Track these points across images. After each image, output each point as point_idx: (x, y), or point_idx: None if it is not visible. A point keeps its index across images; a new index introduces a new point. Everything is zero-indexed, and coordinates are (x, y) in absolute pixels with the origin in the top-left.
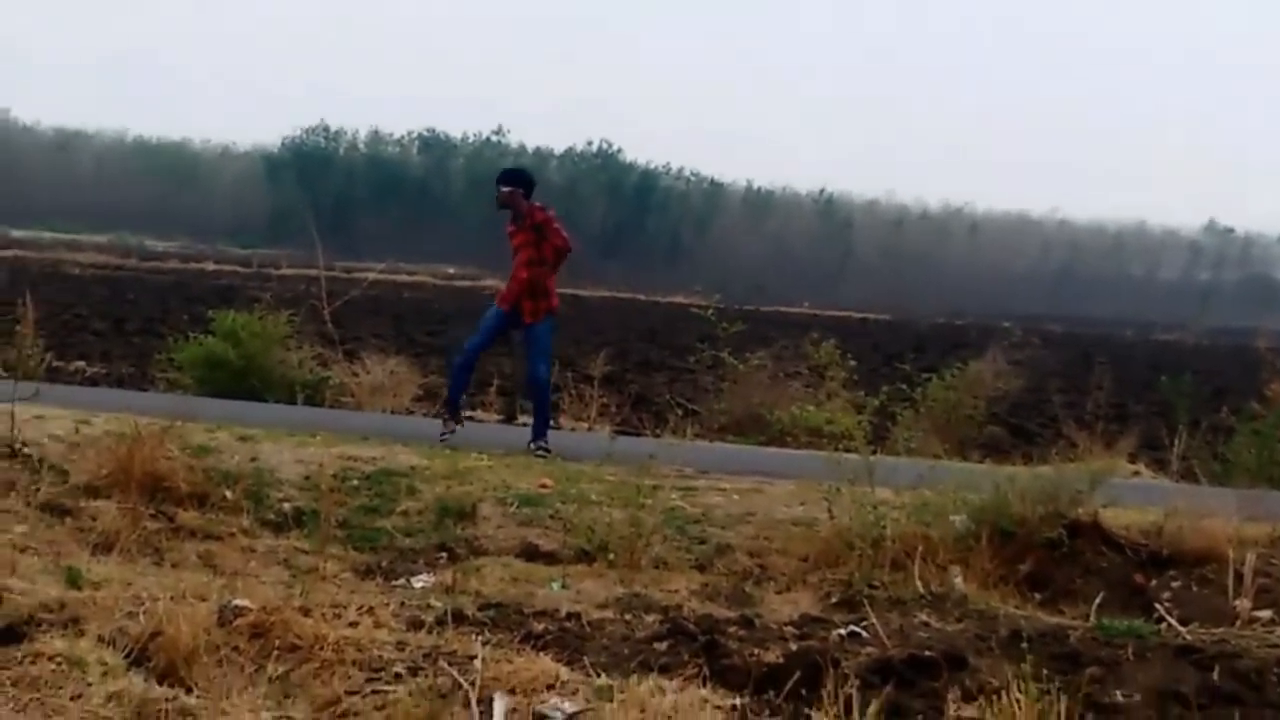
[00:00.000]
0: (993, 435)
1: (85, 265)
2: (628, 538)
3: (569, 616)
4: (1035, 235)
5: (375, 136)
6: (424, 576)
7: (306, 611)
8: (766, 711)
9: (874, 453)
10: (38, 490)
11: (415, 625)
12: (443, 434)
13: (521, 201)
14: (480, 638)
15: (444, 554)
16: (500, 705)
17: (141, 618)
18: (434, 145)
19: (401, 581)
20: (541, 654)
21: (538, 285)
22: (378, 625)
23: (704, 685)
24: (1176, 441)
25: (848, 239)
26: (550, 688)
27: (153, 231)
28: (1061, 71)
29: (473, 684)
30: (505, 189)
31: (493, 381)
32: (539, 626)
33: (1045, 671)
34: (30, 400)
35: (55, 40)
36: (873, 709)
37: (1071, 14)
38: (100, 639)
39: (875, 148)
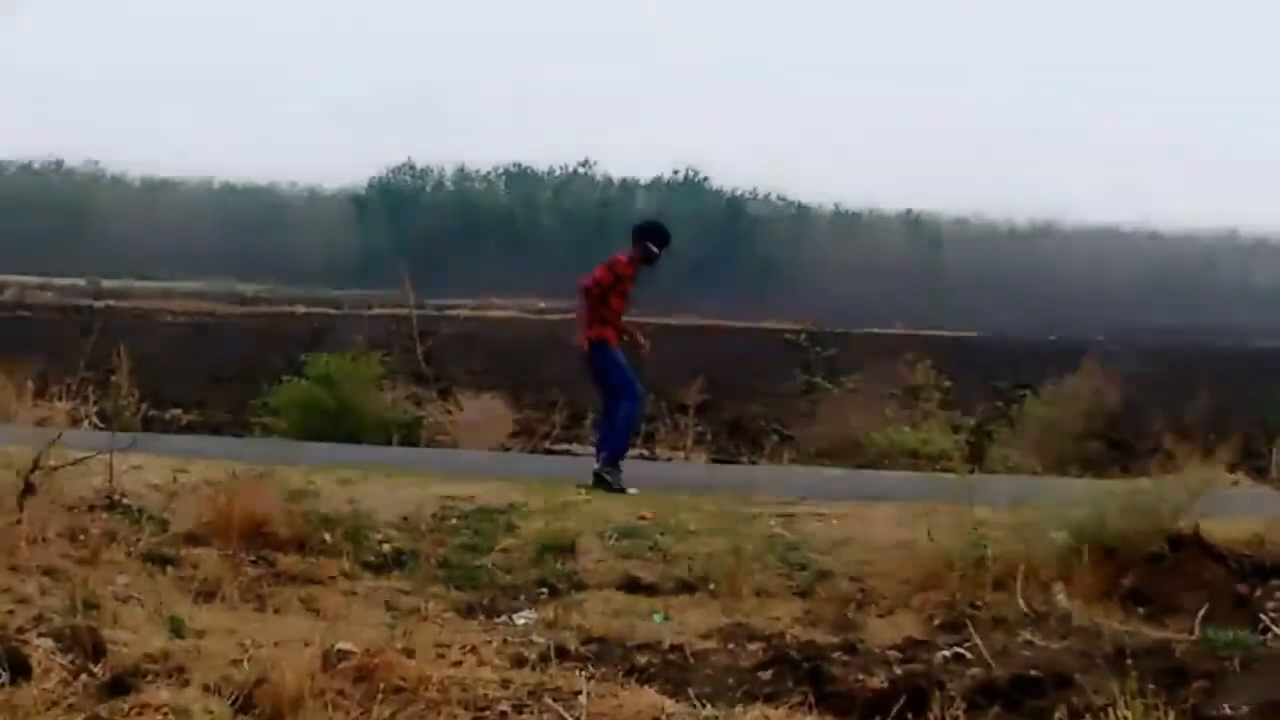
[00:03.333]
0: (1090, 450)
1: (177, 313)
2: (728, 567)
3: (672, 648)
4: (1126, 248)
5: (462, 173)
6: (526, 613)
7: (410, 653)
8: None
9: (972, 472)
10: (138, 540)
11: (519, 662)
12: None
13: None
14: (584, 673)
15: (545, 590)
16: None
17: (246, 665)
18: (520, 180)
19: (503, 619)
20: (646, 687)
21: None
22: (481, 664)
23: (810, 712)
24: (1275, 450)
25: (937, 258)
26: None
27: (242, 276)
28: (1139, 82)
29: (578, 719)
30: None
31: (587, 414)
32: (642, 659)
33: (1151, 686)
34: (128, 450)
35: (141, 88)
36: None
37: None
38: (205, 688)
39: (959, 165)
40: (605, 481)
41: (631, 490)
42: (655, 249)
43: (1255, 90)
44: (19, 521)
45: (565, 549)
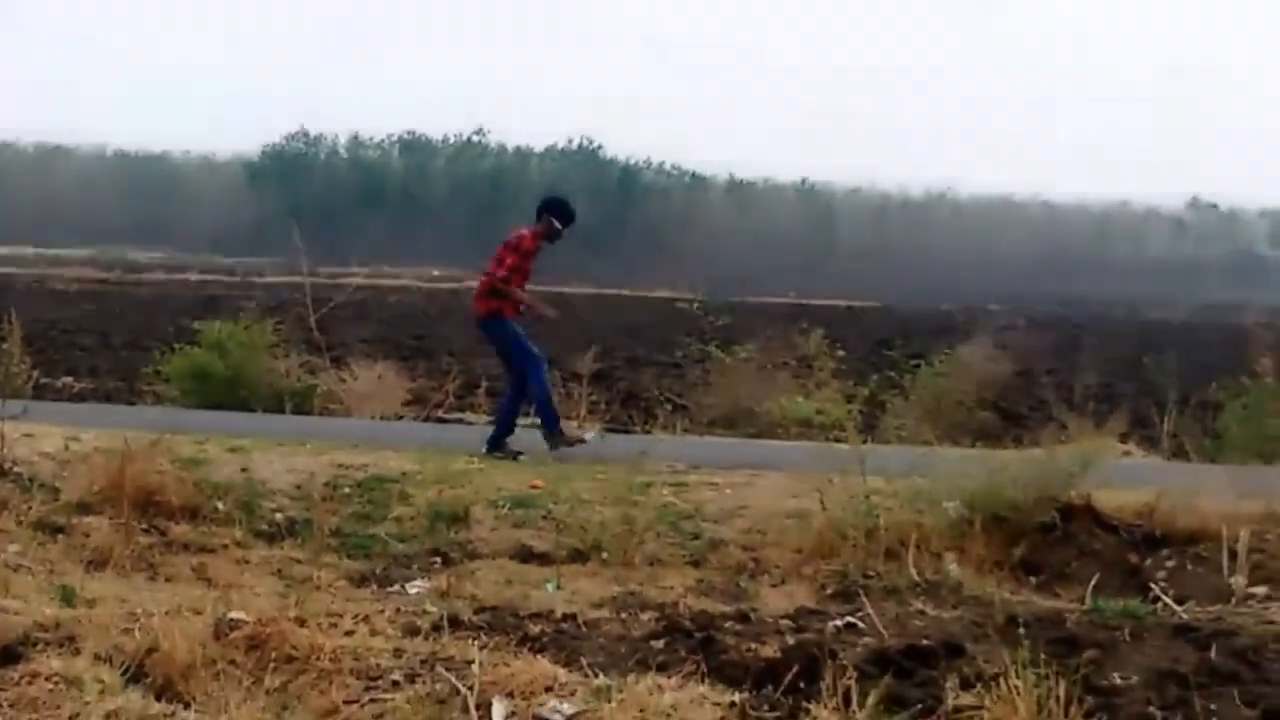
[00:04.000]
0: (983, 420)
1: (69, 280)
2: (621, 536)
3: (565, 617)
4: (1019, 218)
5: (355, 141)
6: (419, 582)
7: (302, 622)
8: (766, 707)
9: (865, 442)
10: (29, 509)
11: (411, 632)
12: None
13: None
14: (477, 642)
15: (438, 559)
16: (499, 709)
17: (137, 634)
18: (415, 148)
19: (396, 588)
20: (539, 656)
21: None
22: (374, 633)
23: (702, 682)
24: (1166, 420)
25: (831, 227)
26: (549, 690)
27: (135, 244)
28: (1038, 50)
29: (471, 689)
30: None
31: (481, 383)
32: (535, 629)
33: (1043, 656)
34: (19, 418)
35: (33, 55)
36: (872, 700)
37: None
38: (97, 656)
39: (855, 135)
40: (495, 447)
41: (523, 458)
42: (560, 226)
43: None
44: None
45: (458, 518)
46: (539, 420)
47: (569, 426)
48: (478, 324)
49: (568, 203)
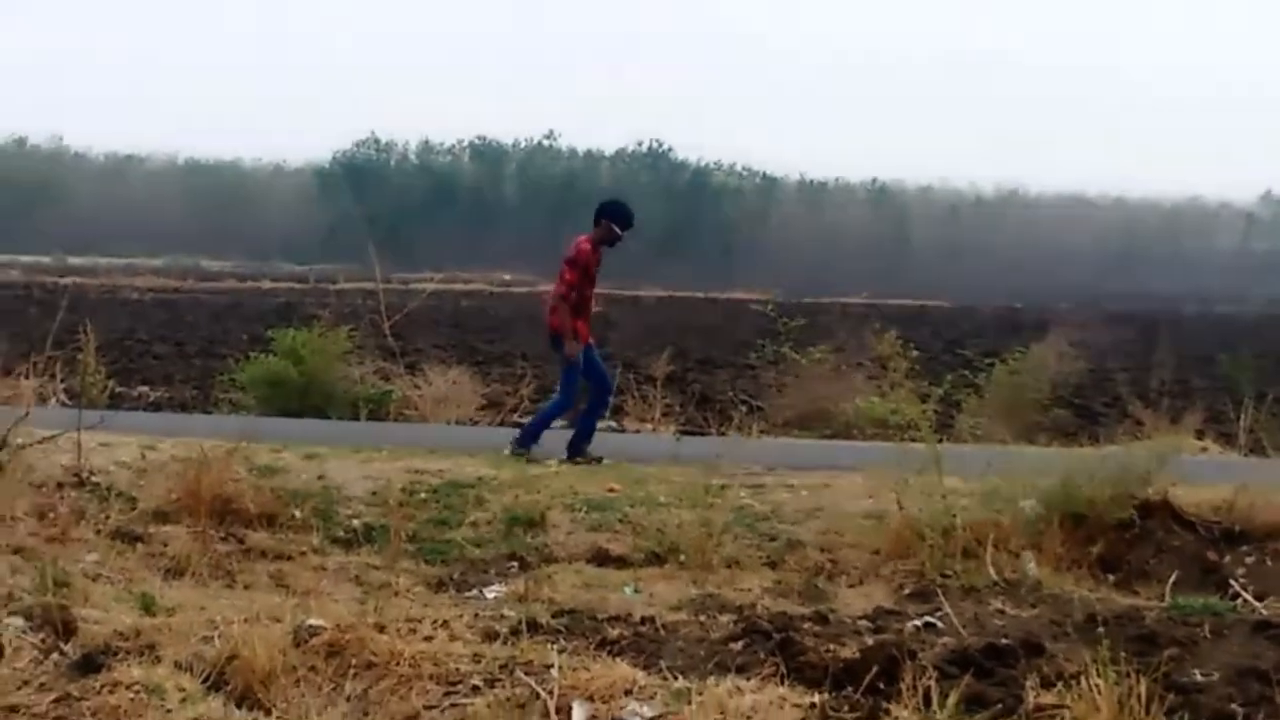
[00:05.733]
0: (1058, 418)
1: (143, 289)
2: (698, 538)
3: (643, 620)
4: (1090, 215)
5: (426, 146)
6: (496, 587)
7: (381, 628)
8: (845, 707)
9: (940, 441)
10: (107, 518)
11: (490, 636)
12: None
13: None
14: (555, 646)
15: (515, 563)
16: (579, 713)
17: (217, 641)
18: (485, 153)
19: (474, 593)
20: (617, 659)
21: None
22: (453, 638)
23: (781, 684)
24: (1242, 415)
25: (903, 227)
26: (628, 693)
27: (208, 252)
28: (1105, 48)
29: (550, 693)
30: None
31: (555, 388)
32: (613, 632)
33: (1123, 654)
34: (96, 428)
35: (105, 66)
36: (952, 700)
37: None
38: (177, 665)
39: (926, 133)
40: (578, 456)
41: (607, 462)
42: (619, 230)
43: (1219, 57)
44: None
45: (535, 522)
46: (523, 427)
47: (539, 451)
48: (549, 338)
49: (625, 206)
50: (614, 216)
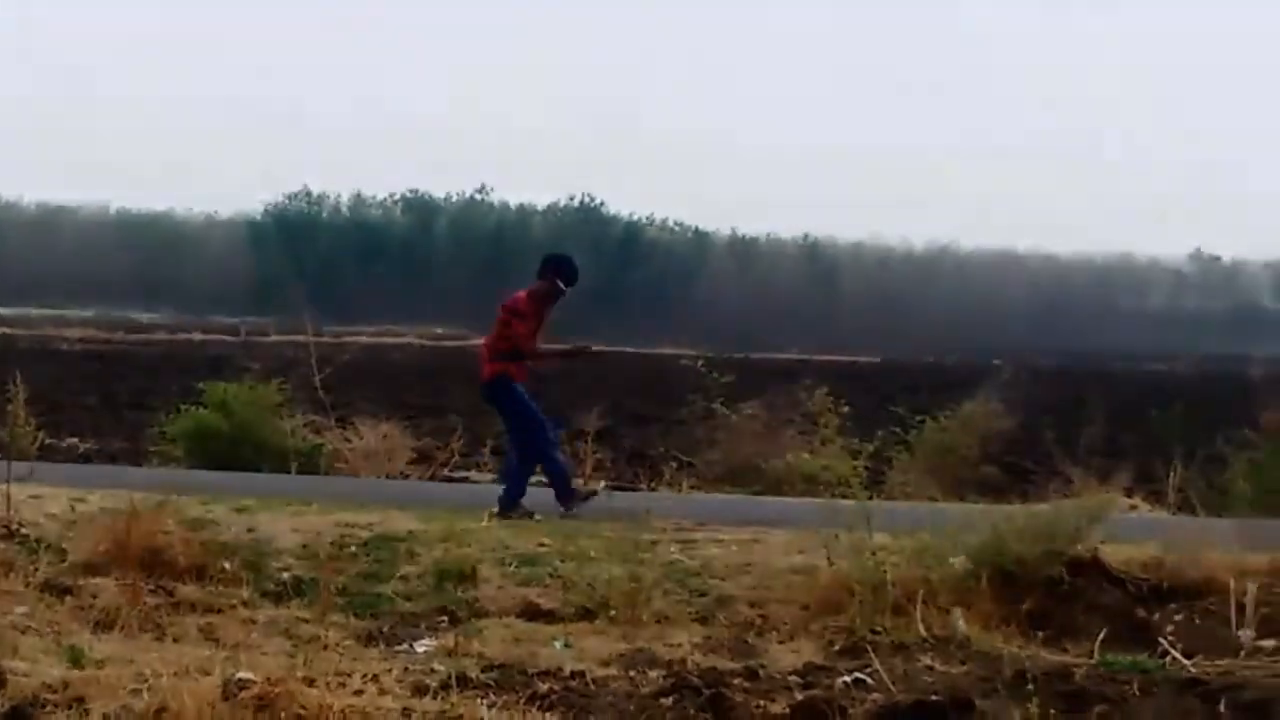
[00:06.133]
0: (988, 475)
1: (73, 340)
2: (628, 593)
3: (573, 675)
4: (1021, 271)
5: (358, 199)
6: (426, 641)
7: (311, 681)
8: None
9: (870, 498)
10: (36, 570)
11: (420, 691)
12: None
13: None
14: (485, 701)
15: (445, 617)
16: None
17: (146, 694)
18: (417, 206)
19: (404, 647)
20: (547, 715)
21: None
22: (382, 692)
23: None
24: (1172, 474)
25: (834, 282)
26: None
27: (139, 304)
28: (1041, 105)
29: None
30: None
31: (486, 442)
32: (544, 687)
33: (1052, 711)
34: (25, 480)
35: (35, 117)
36: None
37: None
38: (105, 717)
39: (856, 190)
40: (510, 511)
41: (538, 517)
42: (564, 285)
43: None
44: None
45: (465, 576)
46: (552, 487)
47: (578, 484)
48: (484, 388)
49: (571, 261)
50: (559, 271)
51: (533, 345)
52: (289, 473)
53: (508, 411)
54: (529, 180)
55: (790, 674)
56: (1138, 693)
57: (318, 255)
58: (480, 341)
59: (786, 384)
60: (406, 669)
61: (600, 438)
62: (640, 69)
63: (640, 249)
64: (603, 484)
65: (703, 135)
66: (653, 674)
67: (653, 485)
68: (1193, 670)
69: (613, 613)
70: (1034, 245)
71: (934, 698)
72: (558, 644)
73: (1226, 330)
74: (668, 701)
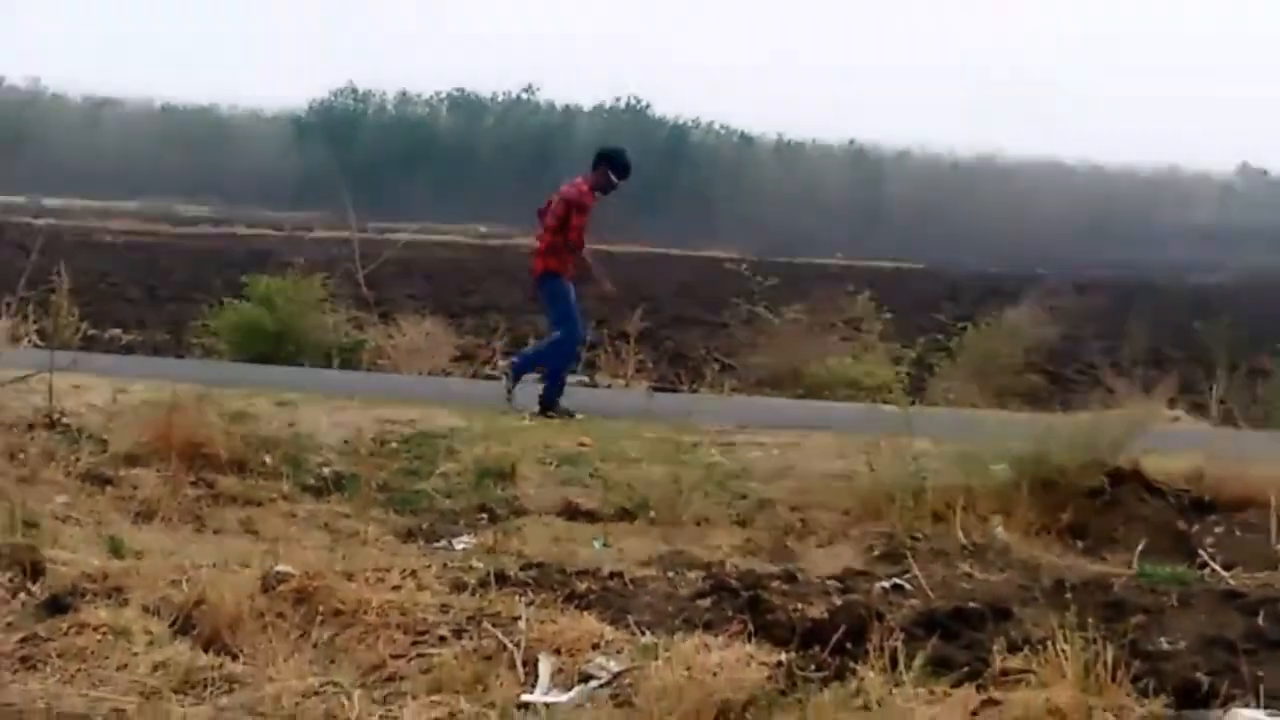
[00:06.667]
0: (1031, 384)
1: (117, 232)
2: (668, 494)
3: (611, 575)
4: (1067, 182)
5: (404, 98)
6: (465, 538)
7: (349, 576)
8: (812, 666)
9: (912, 404)
10: (78, 460)
11: (458, 587)
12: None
13: None
14: (523, 598)
15: (484, 515)
16: (546, 666)
17: (185, 586)
18: (463, 105)
19: (443, 544)
20: (585, 613)
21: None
22: (420, 588)
23: (749, 641)
24: (1215, 386)
25: (879, 189)
26: (595, 647)
27: (183, 197)
28: (1088, 12)
29: (517, 645)
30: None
31: (528, 340)
32: (582, 586)
33: (1090, 620)
34: (67, 369)
35: (80, 6)
36: (918, 661)
37: None
38: (144, 608)
39: (904, 97)
40: (550, 409)
41: (579, 416)
42: (615, 179)
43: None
44: None
45: (505, 475)
46: (545, 385)
47: (518, 403)
48: (535, 282)
49: (624, 154)
50: (612, 163)
51: (583, 240)
52: (331, 368)
53: (553, 305)
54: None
55: (828, 579)
56: (1176, 604)
57: (362, 153)
58: (531, 240)
59: (830, 289)
60: (445, 566)
61: (642, 339)
62: None
63: (686, 152)
64: (645, 386)
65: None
66: (691, 575)
67: (694, 388)
68: (1232, 582)
69: (652, 514)
70: (1080, 157)
71: (972, 605)
72: (597, 544)
73: (1273, 244)
74: (705, 603)
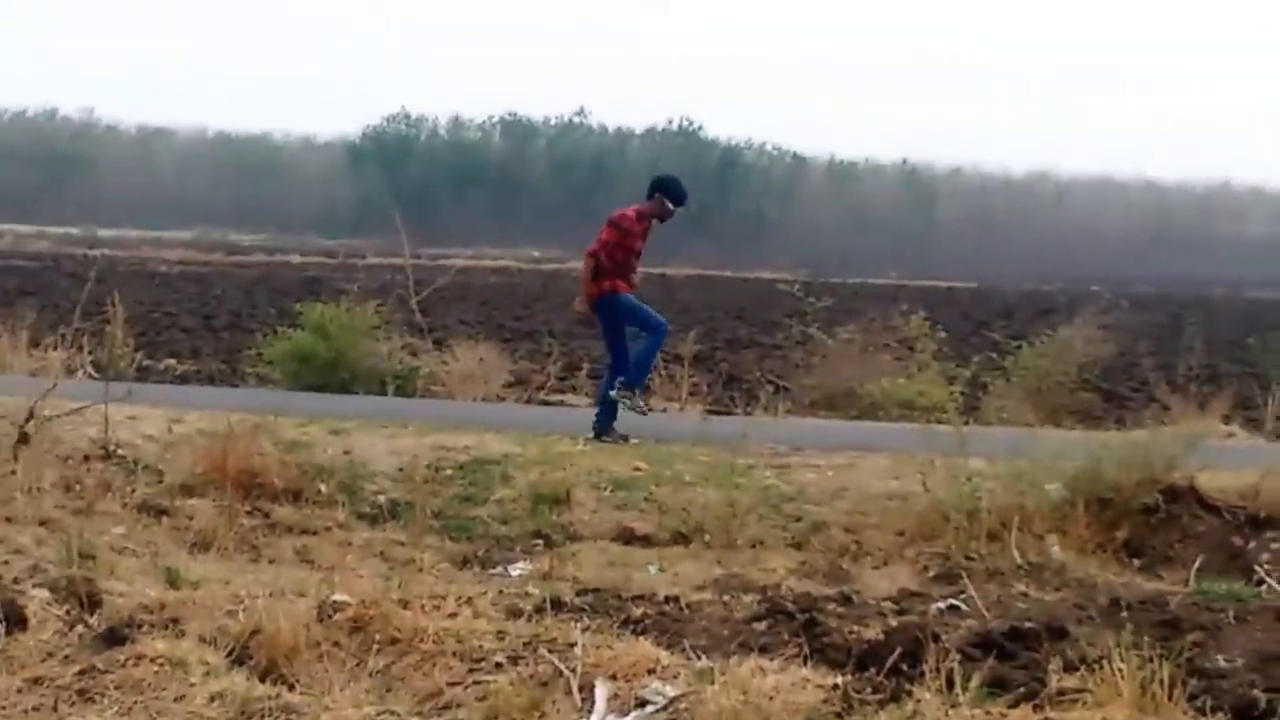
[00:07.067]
0: (1085, 401)
1: (171, 262)
2: (723, 518)
3: (667, 599)
4: (1121, 198)
5: (456, 122)
6: (521, 564)
7: (405, 604)
8: (868, 689)
9: (966, 423)
10: (133, 491)
11: (514, 614)
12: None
13: None
14: (579, 624)
15: (540, 541)
16: (602, 691)
17: (241, 616)
18: (515, 129)
19: (498, 570)
20: (641, 638)
21: None
22: (476, 615)
23: (804, 664)
24: (1270, 400)
25: (932, 208)
26: (651, 672)
27: (237, 226)
28: (1138, 33)
29: (574, 671)
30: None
31: (583, 365)
32: (637, 611)
33: (1146, 639)
34: (123, 400)
35: (135, 39)
36: (975, 682)
37: None
38: (201, 639)
39: (957, 115)
40: (605, 434)
41: (633, 440)
42: (671, 206)
43: (1250, 39)
44: (14, 472)
45: (560, 500)
46: (624, 378)
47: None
48: (593, 309)
49: (679, 182)
50: (668, 191)
51: (603, 254)
52: (385, 395)
53: (627, 321)
54: (628, 104)
55: (884, 600)
56: (1233, 621)
57: (415, 178)
58: (577, 267)
59: (883, 309)
60: (501, 592)
61: (696, 362)
62: None
63: (738, 173)
64: (699, 410)
65: (804, 56)
66: (746, 599)
67: (748, 410)
68: None
69: (707, 537)
70: (1134, 172)
71: (1028, 624)
72: (652, 568)
73: None
74: (761, 626)
